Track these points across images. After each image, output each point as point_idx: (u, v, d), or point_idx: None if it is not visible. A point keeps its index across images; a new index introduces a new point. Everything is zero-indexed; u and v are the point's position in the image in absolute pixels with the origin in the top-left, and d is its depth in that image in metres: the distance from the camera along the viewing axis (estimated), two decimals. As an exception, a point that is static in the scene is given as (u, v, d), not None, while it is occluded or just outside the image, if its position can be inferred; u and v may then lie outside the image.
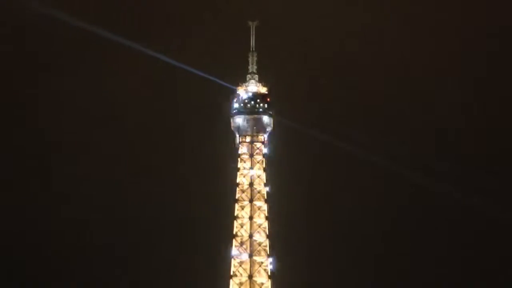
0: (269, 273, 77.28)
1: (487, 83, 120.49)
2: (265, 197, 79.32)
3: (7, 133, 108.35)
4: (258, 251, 77.68)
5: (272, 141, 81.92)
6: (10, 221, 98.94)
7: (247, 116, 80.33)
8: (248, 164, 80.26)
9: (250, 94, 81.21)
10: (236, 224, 78.31)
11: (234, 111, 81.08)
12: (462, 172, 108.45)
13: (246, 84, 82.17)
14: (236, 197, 78.98)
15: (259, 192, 79.13)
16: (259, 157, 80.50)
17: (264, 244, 77.88)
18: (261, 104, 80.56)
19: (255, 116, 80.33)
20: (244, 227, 78.30)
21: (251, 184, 79.25)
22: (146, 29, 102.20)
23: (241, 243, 77.72)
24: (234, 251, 77.41)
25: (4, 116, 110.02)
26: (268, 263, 77.40)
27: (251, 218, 78.30)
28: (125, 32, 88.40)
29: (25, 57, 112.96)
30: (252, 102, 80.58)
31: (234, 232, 78.09)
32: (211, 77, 79.64)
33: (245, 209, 78.66)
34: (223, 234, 78.64)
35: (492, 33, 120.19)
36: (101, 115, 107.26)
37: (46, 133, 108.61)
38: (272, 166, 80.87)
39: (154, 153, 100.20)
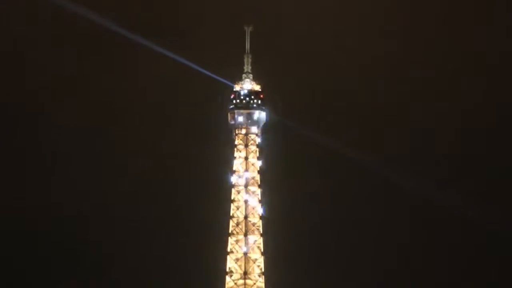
0: (262, 250, 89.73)
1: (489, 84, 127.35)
2: (259, 183, 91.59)
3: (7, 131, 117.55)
4: (252, 230, 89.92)
5: (266, 135, 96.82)
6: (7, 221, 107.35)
7: (242, 111, 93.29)
8: (243, 154, 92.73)
9: (246, 91, 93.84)
10: (232, 207, 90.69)
11: (231, 106, 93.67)
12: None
13: (242, 82, 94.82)
14: (233, 183, 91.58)
15: (253, 178, 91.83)
16: (253, 148, 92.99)
17: (257, 224, 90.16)
18: (255, 100, 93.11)
19: (250, 110, 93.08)
20: (240, 209, 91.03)
21: (246, 171, 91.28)
22: (149, 27, 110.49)
23: (237, 224, 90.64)
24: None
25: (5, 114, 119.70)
26: (261, 241, 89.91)
27: (246, 201, 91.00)
28: (131, 30, 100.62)
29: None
30: (247, 98, 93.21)
31: (231, 214, 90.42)
32: (212, 75, 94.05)
33: (240, 193, 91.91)
34: (221, 220, 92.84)
35: (493, 33, 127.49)
36: (99, 110, 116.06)
37: (45, 132, 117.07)
38: (266, 156, 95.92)
39: (156, 149, 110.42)
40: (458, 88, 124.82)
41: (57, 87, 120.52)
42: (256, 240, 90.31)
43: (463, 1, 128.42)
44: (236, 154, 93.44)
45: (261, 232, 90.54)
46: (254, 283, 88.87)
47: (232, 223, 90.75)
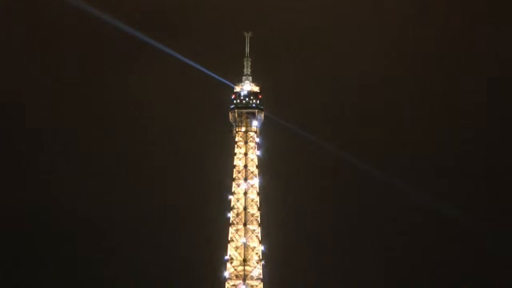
0: (260, 239, 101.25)
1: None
2: (257, 177, 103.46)
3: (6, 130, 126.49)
4: (251, 220, 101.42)
5: (264, 132, 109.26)
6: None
7: (242, 110, 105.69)
8: (243, 150, 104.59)
9: (245, 92, 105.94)
10: (233, 198, 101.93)
11: (232, 106, 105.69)
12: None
13: (242, 83, 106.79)
14: (233, 177, 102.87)
15: (252, 172, 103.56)
16: (252, 144, 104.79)
17: (256, 215, 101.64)
18: (254, 100, 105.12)
19: (249, 110, 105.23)
20: (240, 201, 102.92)
21: (245, 166, 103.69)
22: (153, 29, 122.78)
23: (237, 214, 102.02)
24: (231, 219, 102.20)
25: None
26: (259, 231, 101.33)
27: (245, 193, 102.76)
28: (137, 30, 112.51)
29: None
30: (247, 99, 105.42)
31: (232, 205, 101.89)
32: (215, 76, 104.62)
33: (240, 186, 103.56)
34: (222, 207, 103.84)
35: (493, 34, 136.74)
36: (100, 110, 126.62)
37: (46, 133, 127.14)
38: (264, 151, 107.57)
39: (159, 147, 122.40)
40: (458, 89, 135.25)
41: (57, 88, 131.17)
42: (254, 229, 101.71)
43: (463, 1, 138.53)
44: (236, 150, 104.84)
45: (259, 222, 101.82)
46: (253, 270, 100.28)
47: (232, 214, 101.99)
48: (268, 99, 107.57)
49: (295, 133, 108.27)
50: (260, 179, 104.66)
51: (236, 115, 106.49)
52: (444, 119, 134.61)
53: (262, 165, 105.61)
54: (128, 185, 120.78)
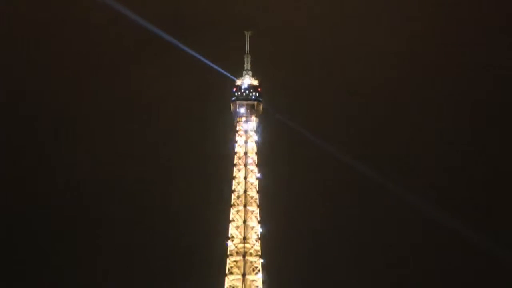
0: (258, 219, 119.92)
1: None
2: (256, 163, 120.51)
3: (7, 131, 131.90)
4: (250, 202, 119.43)
5: (263, 122, 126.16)
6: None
7: (243, 102, 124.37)
8: (243, 138, 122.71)
9: (246, 85, 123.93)
10: (234, 182, 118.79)
11: (233, 98, 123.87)
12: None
13: (242, 78, 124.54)
14: (234, 163, 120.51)
15: (252, 158, 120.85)
16: (252, 133, 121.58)
17: (255, 197, 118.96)
18: (254, 93, 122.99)
19: (249, 102, 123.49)
20: (240, 184, 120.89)
21: (245, 153, 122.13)
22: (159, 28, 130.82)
23: (238, 197, 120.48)
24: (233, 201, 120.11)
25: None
26: (257, 212, 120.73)
27: (245, 178, 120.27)
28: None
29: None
30: (247, 91, 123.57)
31: (233, 189, 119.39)
32: (219, 69, 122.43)
33: (241, 171, 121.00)
34: (224, 194, 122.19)
35: (492, 33, 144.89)
36: (100, 107, 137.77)
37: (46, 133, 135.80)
38: (263, 140, 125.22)
39: (159, 144, 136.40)
40: (458, 89, 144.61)
41: (57, 88, 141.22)
42: (254, 210, 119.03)
43: (463, 1, 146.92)
44: (237, 138, 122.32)
45: (258, 204, 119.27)
46: (252, 247, 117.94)
47: (233, 196, 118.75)
48: (268, 98, 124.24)
49: (295, 132, 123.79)
50: (259, 164, 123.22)
51: (237, 106, 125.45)
52: (444, 119, 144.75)
53: (261, 151, 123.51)
54: (127, 185, 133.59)
